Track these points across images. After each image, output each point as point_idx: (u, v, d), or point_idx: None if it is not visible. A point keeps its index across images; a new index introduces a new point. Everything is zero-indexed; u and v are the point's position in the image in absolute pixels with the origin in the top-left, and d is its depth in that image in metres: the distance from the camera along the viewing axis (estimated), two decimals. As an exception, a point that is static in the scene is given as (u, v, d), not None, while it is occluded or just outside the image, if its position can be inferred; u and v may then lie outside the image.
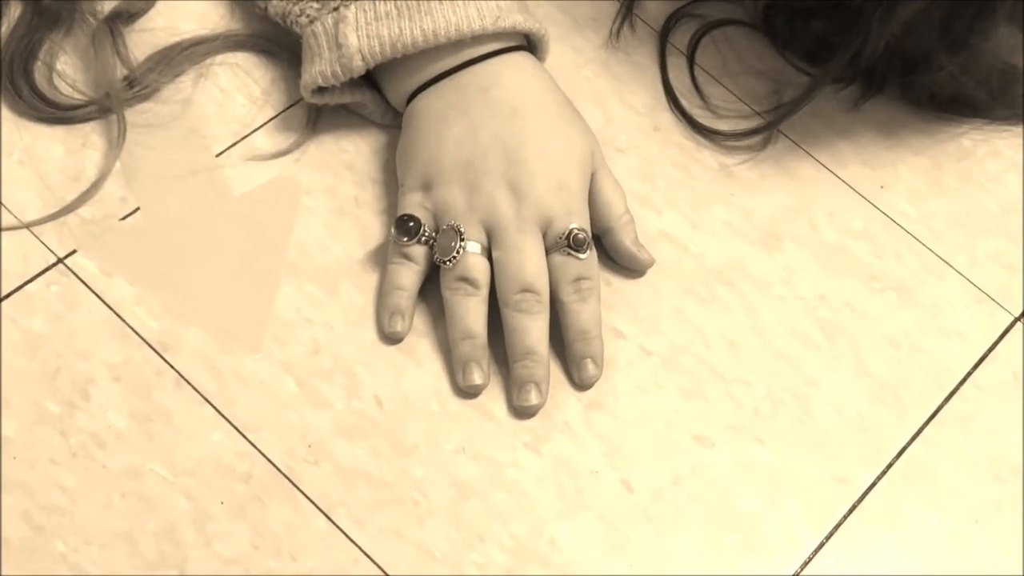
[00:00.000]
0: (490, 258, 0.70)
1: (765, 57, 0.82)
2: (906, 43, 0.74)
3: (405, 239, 0.70)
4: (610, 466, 0.68)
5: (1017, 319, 0.74)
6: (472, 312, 0.69)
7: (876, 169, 0.79)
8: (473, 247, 0.69)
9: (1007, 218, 0.78)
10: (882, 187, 0.79)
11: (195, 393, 0.67)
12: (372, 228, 0.73)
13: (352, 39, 0.71)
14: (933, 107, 0.80)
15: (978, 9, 0.72)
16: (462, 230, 0.69)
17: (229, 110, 0.77)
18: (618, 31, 0.81)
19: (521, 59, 0.74)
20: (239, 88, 0.77)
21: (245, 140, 0.76)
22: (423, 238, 0.70)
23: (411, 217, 0.70)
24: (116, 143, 0.73)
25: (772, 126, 0.78)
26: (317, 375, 0.68)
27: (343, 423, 0.67)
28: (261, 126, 0.76)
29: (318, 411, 0.67)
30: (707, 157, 0.78)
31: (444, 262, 0.69)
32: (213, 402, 0.67)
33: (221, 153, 0.75)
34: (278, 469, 0.65)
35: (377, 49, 0.71)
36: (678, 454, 0.69)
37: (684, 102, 0.80)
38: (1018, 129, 0.82)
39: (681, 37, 0.83)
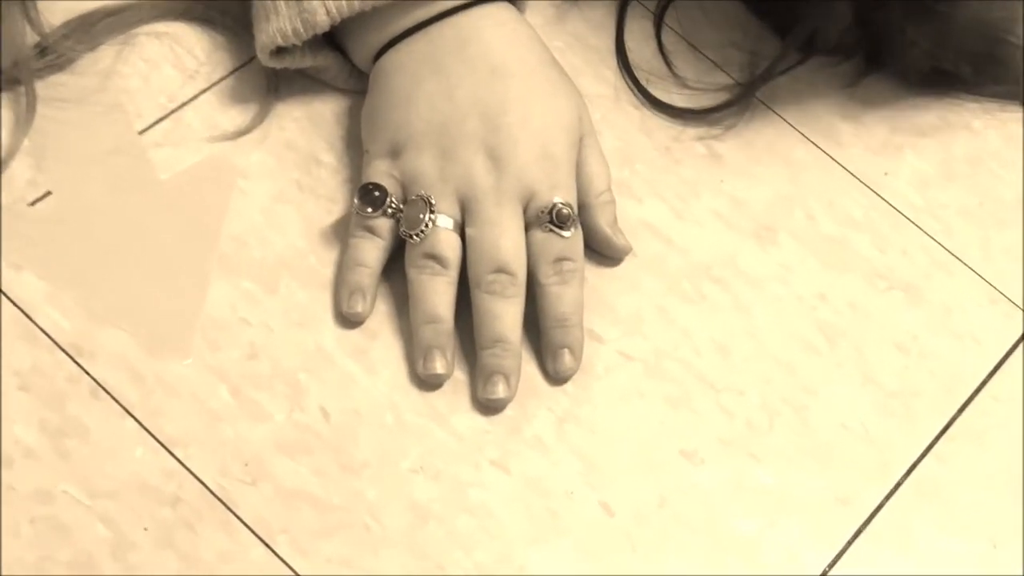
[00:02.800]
0: (463, 236, 0.66)
1: (743, 27, 0.78)
2: (874, 14, 0.72)
3: (369, 210, 0.66)
4: (587, 486, 0.64)
5: (1035, 321, 0.71)
6: (438, 293, 0.65)
7: (879, 154, 0.76)
8: (444, 221, 0.66)
9: (1021, 210, 0.75)
10: (886, 174, 0.75)
11: (115, 404, 0.64)
12: (317, 216, 0.70)
13: None
14: (920, 83, 0.77)
15: None
16: (433, 201, 0.66)
17: (156, 83, 0.73)
18: None
19: (501, 11, 0.70)
20: (168, 59, 0.74)
21: (173, 115, 0.72)
22: (389, 209, 0.66)
23: (376, 186, 0.67)
24: (24, 118, 0.70)
25: (734, 103, 0.75)
26: (255, 383, 0.65)
27: (284, 438, 0.64)
28: (191, 100, 0.73)
29: (256, 424, 0.64)
30: (693, 140, 0.75)
31: (410, 236, 0.66)
32: (135, 414, 0.63)
33: (145, 130, 0.71)
34: (210, 490, 0.62)
35: (343, 1, 0.66)
36: (664, 472, 0.65)
37: (642, 72, 0.76)
38: (1032, 110, 0.79)
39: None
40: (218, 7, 0.75)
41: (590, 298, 0.68)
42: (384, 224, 0.67)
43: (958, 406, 0.69)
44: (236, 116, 0.72)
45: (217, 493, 0.62)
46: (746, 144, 0.75)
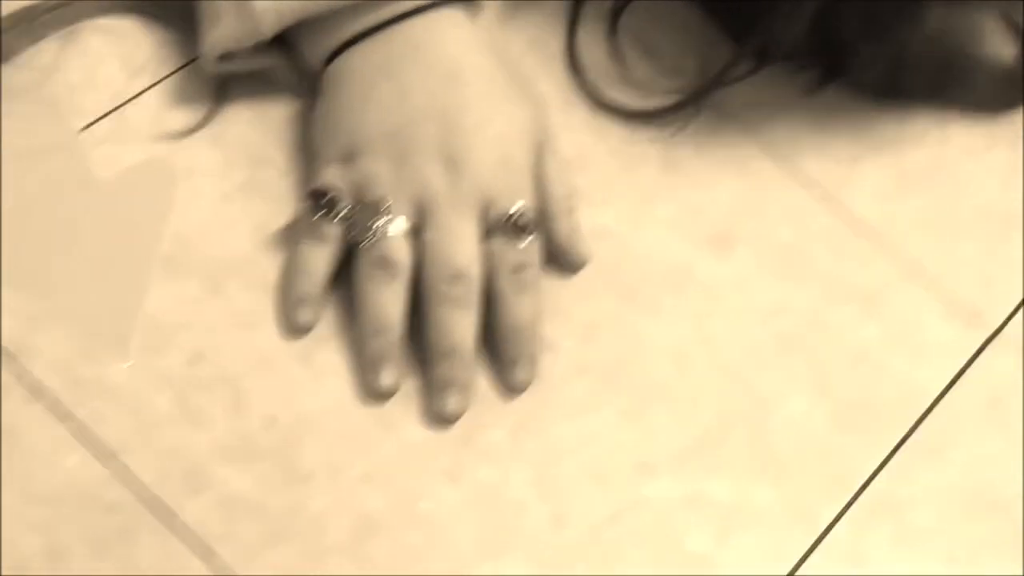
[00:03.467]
0: (416, 245, 0.65)
1: (697, 33, 0.78)
2: (832, 27, 0.72)
3: (317, 215, 0.64)
4: (540, 498, 0.63)
5: (994, 335, 0.71)
6: (389, 302, 0.64)
7: (837, 163, 0.76)
8: (396, 226, 0.64)
9: (981, 221, 0.75)
10: (843, 184, 0.75)
11: (51, 408, 0.62)
12: (266, 217, 0.69)
13: None
14: (877, 96, 0.77)
15: None
16: (386, 206, 0.64)
17: (99, 78, 0.71)
18: None
19: (456, 14, 0.69)
20: (113, 55, 0.73)
21: (116, 112, 0.71)
22: (339, 215, 0.64)
23: (326, 190, 0.65)
24: (-39, 113, 0.68)
25: (682, 106, 0.74)
26: (197, 388, 0.64)
27: (227, 445, 0.62)
28: (136, 97, 0.71)
29: (197, 431, 0.63)
30: (649, 146, 0.74)
31: (361, 240, 0.64)
32: (72, 419, 0.62)
33: (87, 127, 0.70)
34: (149, 499, 0.61)
35: (290, 8, 0.65)
36: (617, 485, 0.64)
37: (594, 75, 0.75)
38: (991, 122, 0.78)
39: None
40: (165, 2, 0.73)
41: (545, 306, 0.67)
42: (334, 230, 0.65)
43: (915, 420, 0.68)
44: (182, 114, 0.71)
45: (157, 502, 0.61)
46: (703, 152, 0.74)
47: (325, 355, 0.65)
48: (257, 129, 0.71)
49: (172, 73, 0.72)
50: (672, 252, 0.71)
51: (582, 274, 0.69)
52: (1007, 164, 0.77)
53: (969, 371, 0.70)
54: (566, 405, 0.66)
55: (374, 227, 0.64)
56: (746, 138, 0.75)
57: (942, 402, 0.69)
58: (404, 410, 0.64)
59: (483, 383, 0.66)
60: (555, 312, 0.68)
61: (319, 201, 0.65)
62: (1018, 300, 0.73)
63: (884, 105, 0.78)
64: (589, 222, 0.71)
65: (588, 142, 0.74)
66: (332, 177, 0.66)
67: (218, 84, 0.71)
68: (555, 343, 0.67)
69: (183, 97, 0.71)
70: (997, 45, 0.73)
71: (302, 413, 0.64)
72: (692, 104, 0.74)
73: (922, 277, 0.73)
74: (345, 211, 0.65)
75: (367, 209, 0.65)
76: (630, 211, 0.72)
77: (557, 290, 0.69)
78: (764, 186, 0.74)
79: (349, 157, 0.66)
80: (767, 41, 0.71)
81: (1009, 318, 0.72)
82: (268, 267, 0.67)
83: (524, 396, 0.66)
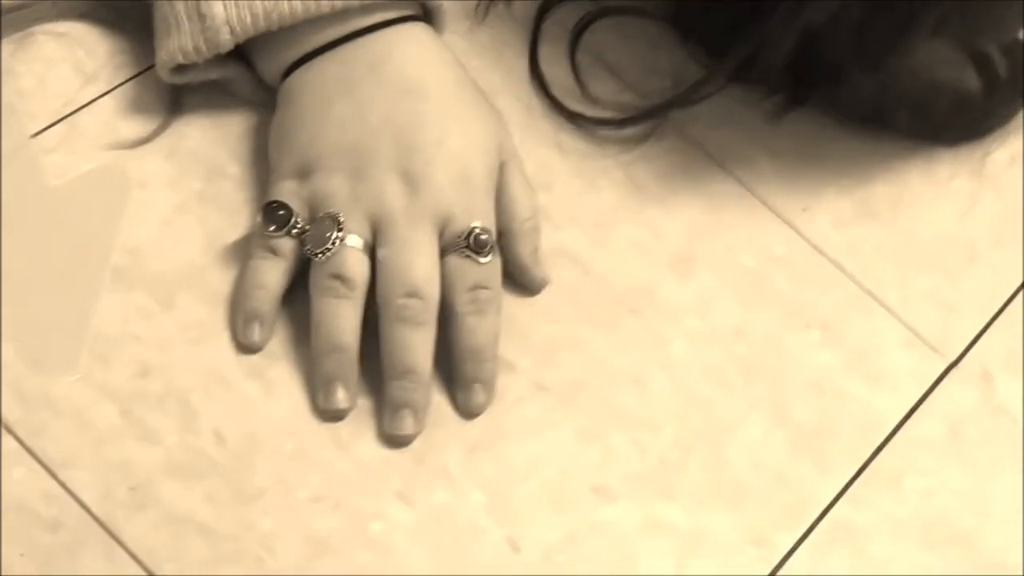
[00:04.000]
0: (373, 260, 0.64)
1: (666, 51, 0.77)
2: (820, 52, 0.72)
3: (272, 229, 0.64)
4: (494, 521, 0.63)
5: (952, 365, 0.71)
6: (342, 318, 0.63)
7: (799, 189, 0.75)
8: (353, 240, 0.63)
9: (942, 251, 0.75)
10: (805, 210, 0.75)
11: None
12: (219, 230, 0.68)
13: (218, 9, 0.64)
14: (851, 121, 0.77)
15: (895, 24, 0.70)
16: (341, 220, 0.63)
17: (52, 84, 0.70)
18: (485, 12, 0.76)
19: (416, 30, 0.68)
20: (66, 60, 0.72)
21: (68, 119, 0.69)
22: (294, 230, 0.64)
23: (281, 204, 0.64)
24: (-93, 115, 0.67)
25: (650, 115, 0.74)
26: (145, 403, 0.62)
27: (175, 462, 0.61)
28: (89, 103, 0.70)
29: (145, 446, 0.61)
30: (613, 167, 0.74)
31: (315, 255, 0.63)
32: (16, 432, 0.61)
33: (38, 133, 0.69)
34: (93, 516, 0.59)
35: (248, 21, 0.65)
36: (574, 508, 0.64)
37: (557, 89, 0.75)
38: (952, 151, 0.78)
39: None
40: (122, 9, 0.72)
41: (504, 324, 0.67)
42: (287, 244, 0.64)
43: (873, 449, 0.68)
44: (136, 122, 0.70)
45: (101, 518, 0.59)
46: (666, 174, 0.74)
47: (277, 372, 0.64)
48: (211, 140, 0.70)
49: (127, 81, 0.71)
50: (633, 273, 0.70)
51: (543, 293, 0.69)
52: (968, 194, 0.77)
53: (928, 400, 0.70)
54: (523, 426, 0.65)
55: (330, 240, 0.63)
56: (709, 161, 0.75)
57: (901, 431, 0.69)
58: (357, 429, 0.63)
59: (438, 402, 0.65)
60: (513, 331, 0.67)
61: (273, 215, 0.64)
62: (977, 330, 0.72)
63: (845, 131, 0.78)
64: (549, 241, 0.70)
65: (550, 161, 0.73)
66: (287, 192, 0.65)
67: (173, 94, 0.70)
68: (512, 363, 0.66)
69: (136, 105, 0.70)
70: (963, 76, 0.74)
71: (253, 430, 0.63)
72: (658, 115, 0.74)
73: (882, 305, 0.72)
74: (300, 226, 0.64)
75: (323, 222, 0.64)
76: (591, 231, 0.71)
77: (515, 309, 0.68)
78: (726, 210, 0.74)
79: (305, 172, 0.65)
80: (747, 60, 0.71)
81: (969, 347, 0.72)
82: (220, 280, 0.66)
83: (480, 416, 0.65)
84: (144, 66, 0.71)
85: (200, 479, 0.61)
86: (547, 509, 0.63)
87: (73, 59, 0.71)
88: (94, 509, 0.59)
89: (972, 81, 0.74)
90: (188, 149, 0.69)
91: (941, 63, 0.73)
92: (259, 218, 0.64)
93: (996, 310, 0.73)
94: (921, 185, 0.77)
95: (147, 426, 0.62)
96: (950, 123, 0.77)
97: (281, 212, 0.64)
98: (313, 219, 0.64)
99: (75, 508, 0.59)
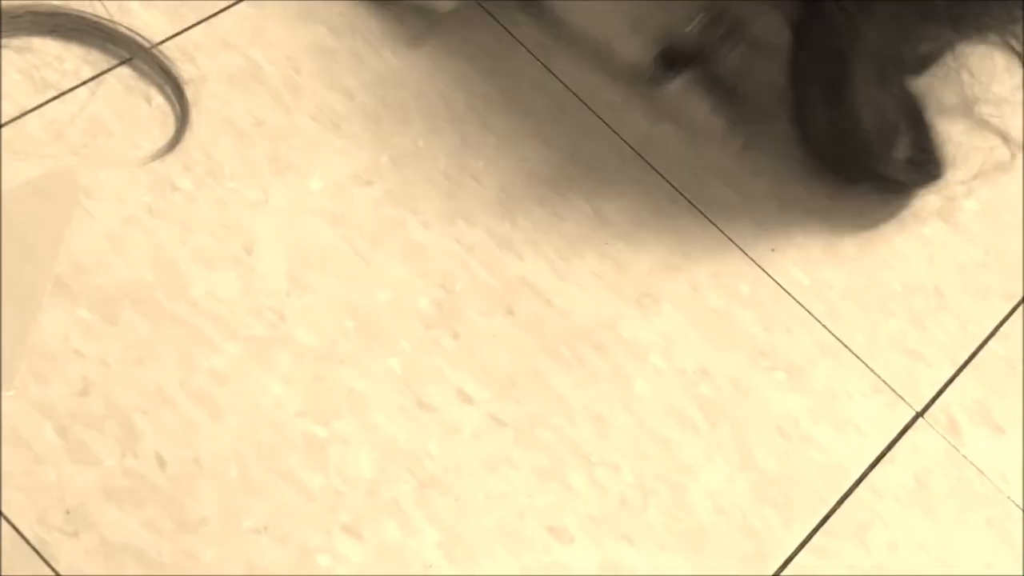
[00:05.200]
0: None
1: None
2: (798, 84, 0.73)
3: None
4: (447, 559, 0.61)
5: (919, 414, 0.70)
6: None
7: (768, 229, 0.75)
8: None
9: (910, 298, 0.74)
10: (773, 250, 0.74)
11: None
12: (169, 245, 0.66)
13: None
14: (810, 161, 0.77)
15: (832, 72, 0.71)
16: None
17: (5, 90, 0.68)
18: None
19: None
20: (14, 64, 0.69)
21: (14, 123, 0.67)
22: None
23: None
24: None
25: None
26: (84, 423, 0.60)
27: (113, 485, 0.59)
28: (37, 108, 0.68)
29: (83, 468, 0.59)
30: (578, 197, 0.72)
31: None
32: None
33: None
34: (25, 540, 0.57)
35: None
36: (530, 549, 0.62)
37: None
38: (920, 198, 0.78)
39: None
40: (74, 17, 0.70)
41: (462, 355, 0.65)
42: None
43: (838, 498, 0.67)
44: (86, 130, 0.68)
45: (33, 543, 0.57)
46: (632, 207, 0.73)
47: (225, 396, 0.62)
48: (161, 150, 0.68)
49: (77, 87, 0.69)
50: (596, 308, 0.69)
51: (503, 324, 0.67)
52: (935, 241, 0.77)
53: (895, 449, 0.69)
54: (479, 461, 0.64)
55: None
56: (675, 197, 0.74)
57: (866, 479, 0.68)
58: (306, 458, 0.62)
59: (391, 434, 0.63)
60: (471, 362, 0.66)
61: None
62: (945, 379, 0.72)
63: (815, 173, 0.77)
64: (514, 271, 0.69)
65: (516, 187, 0.72)
66: None
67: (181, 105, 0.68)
68: (470, 395, 0.65)
69: (87, 112, 0.68)
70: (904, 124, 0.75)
71: (196, 455, 0.61)
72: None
73: (849, 350, 0.71)
74: None
75: None
76: (556, 262, 0.70)
77: (475, 339, 0.66)
78: (692, 247, 0.73)
79: None
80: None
81: (936, 397, 0.71)
82: (169, 299, 0.64)
83: (435, 448, 0.63)
84: (95, 72, 0.69)
85: (140, 505, 0.59)
86: (501, 549, 0.62)
87: (22, 63, 0.69)
88: (27, 533, 0.57)
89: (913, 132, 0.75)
90: (138, 160, 0.67)
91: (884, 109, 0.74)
92: None
93: (964, 360, 0.73)
94: (890, 230, 0.77)
95: (86, 447, 0.59)
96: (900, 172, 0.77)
97: None
98: None
99: (7, 531, 0.57)
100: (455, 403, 0.64)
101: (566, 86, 0.76)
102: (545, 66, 0.76)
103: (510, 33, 0.77)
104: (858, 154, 0.76)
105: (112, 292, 0.63)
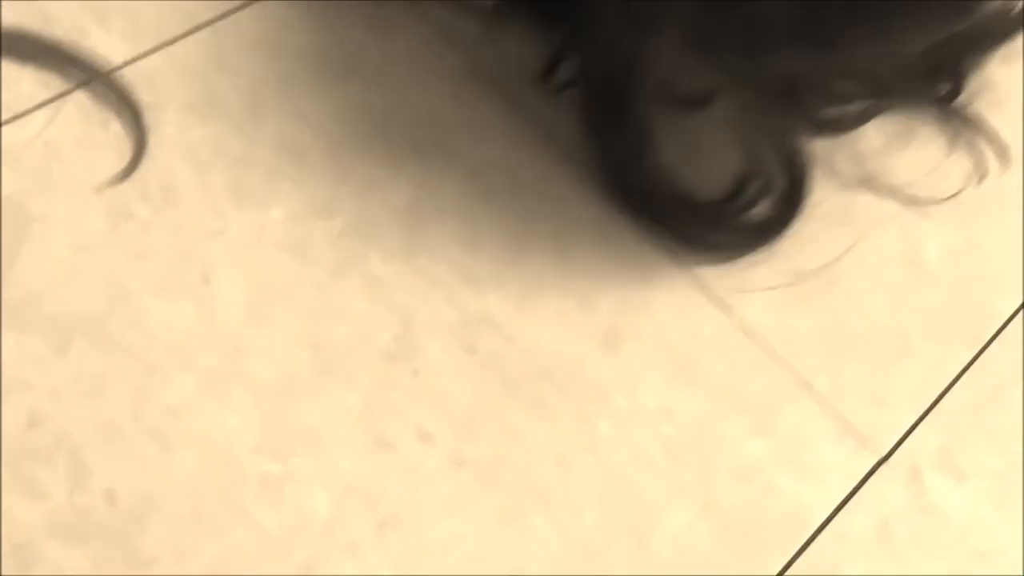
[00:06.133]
0: None
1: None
2: None
3: None
4: (404, 602, 0.60)
5: (883, 460, 0.70)
6: None
7: (732, 269, 0.74)
8: None
9: (874, 342, 0.74)
10: (737, 291, 0.73)
11: None
12: (123, 272, 0.65)
13: None
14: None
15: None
16: None
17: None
18: None
19: None
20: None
21: (-33, 145, 0.66)
22: None
23: None
24: None
25: None
26: (32, 456, 0.59)
27: (62, 521, 0.58)
28: (-10, 130, 0.67)
29: (30, 503, 0.58)
30: (543, 233, 0.72)
31: None
32: None
33: None
34: None
35: None
36: (489, 592, 0.62)
37: None
38: (884, 240, 0.78)
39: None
40: (31, 40, 0.70)
41: (422, 392, 0.65)
42: None
43: (801, 544, 0.67)
44: (41, 154, 0.67)
45: (-24, 579, 0.56)
46: (597, 244, 0.73)
47: (178, 430, 0.61)
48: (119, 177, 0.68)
49: (32, 111, 0.68)
50: (560, 345, 0.69)
51: (464, 362, 0.67)
52: (899, 284, 0.77)
53: (857, 495, 0.69)
54: (438, 502, 0.63)
55: None
56: (642, 235, 0.74)
57: (829, 526, 0.68)
58: (261, 496, 0.61)
59: (349, 469, 0.62)
60: (431, 400, 0.65)
61: None
62: (908, 425, 0.72)
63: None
64: (474, 307, 0.68)
65: (478, 219, 0.72)
66: None
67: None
68: (430, 433, 0.64)
69: (40, 136, 0.67)
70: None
71: (147, 490, 0.60)
72: None
73: (812, 394, 0.71)
74: None
75: None
76: (518, 298, 0.70)
77: (434, 376, 0.66)
78: (657, 285, 0.73)
79: None
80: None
81: (899, 443, 0.71)
82: (121, 329, 0.63)
83: (395, 487, 0.62)
84: (51, 95, 0.68)
85: (88, 541, 0.58)
86: (460, 592, 0.61)
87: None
88: (-31, 569, 0.56)
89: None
90: (93, 186, 0.67)
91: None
92: None
93: (927, 406, 0.73)
94: (854, 274, 0.77)
95: (34, 481, 0.59)
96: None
97: None
98: None
99: (-52, 567, 0.56)
100: (414, 441, 0.64)
101: (529, 120, 0.76)
102: (508, 97, 0.76)
103: (475, 65, 0.77)
104: (677, 211, 0.75)
105: (64, 321, 0.62)
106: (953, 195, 0.79)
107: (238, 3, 0.75)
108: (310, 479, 0.62)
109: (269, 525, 0.60)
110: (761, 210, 0.75)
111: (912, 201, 0.78)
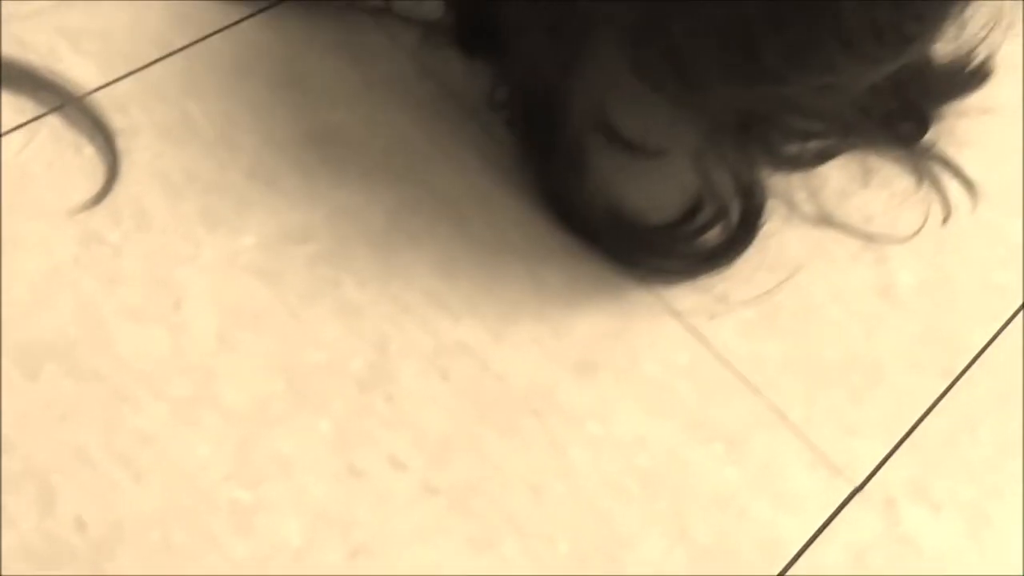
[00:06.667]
0: None
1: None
2: None
3: None
4: (376, 631, 0.60)
5: (857, 490, 0.70)
6: None
7: (706, 295, 0.75)
8: None
9: (848, 372, 0.75)
10: (712, 318, 0.74)
11: None
12: (94, 298, 0.65)
13: None
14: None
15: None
16: None
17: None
18: None
19: None
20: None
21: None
22: None
23: None
24: None
25: None
26: (1, 483, 0.59)
27: (30, 548, 0.58)
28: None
29: None
30: (517, 260, 0.72)
31: None
32: None
33: None
34: None
35: None
36: (462, 621, 0.61)
37: None
38: (858, 269, 0.78)
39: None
40: (3, 63, 0.70)
41: (395, 419, 0.65)
42: None
43: (775, 574, 0.67)
44: (12, 178, 0.67)
45: (-57, 607, 0.55)
46: (572, 272, 0.73)
47: (148, 457, 0.61)
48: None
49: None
50: (534, 373, 0.69)
51: (438, 388, 0.67)
52: (873, 313, 0.77)
53: (832, 525, 0.69)
54: (410, 530, 0.63)
55: None
56: (616, 262, 0.74)
57: (804, 556, 0.68)
58: (231, 523, 0.60)
59: (320, 496, 0.62)
60: (403, 427, 0.65)
61: None
62: (882, 455, 0.72)
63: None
64: (449, 335, 0.68)
65: (453, 247, 0.72)
66: None
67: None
68: (402, 461, 0.64)
69: (10, 157, 0.67)
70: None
71: (118, 518, 0.59)
72: None
73: (787, 423, 0.71)
74: None
75: None
76: (494, 325, 0.70)
77: (406, 403, 0.66)
78: (632, 313, 0.73)
79: None
80: None
81: (873, 472, 0.71)
82: (91, 354, 0.63)
83: (366, 515, 0.62)
84: (24, 119, 0.68)
85: (56, 569, 0.57)
86: (433, 620, 0.61)
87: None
88: (-65, 596, 0.55)
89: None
90: (65, 210, 0.66)
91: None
92: None
93: (901, 436, 0.73)
94: (825, 299, 0.77)
95: (2, 509, 0.58)
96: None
97: None
98: None
99: (-86, 594, 0.55)
100: (387, 469, 0.63)
101: (504, 147, 0.76)
102: (483, 123, 0.77)
103: (450, 91, 0.77)
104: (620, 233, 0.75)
105: (34, 346, 0.62)
106: (916, 232, 0.79)
107: (211, 29, 0.75)
108: (281, 507, 0.61)
109: (240, 553, 0.60)
110: (711, 237, 0.75)
111: (871, 238, 0.78)
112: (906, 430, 0.73)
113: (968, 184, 0.81)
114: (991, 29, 0.78)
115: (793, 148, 0.78)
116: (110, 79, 0.71)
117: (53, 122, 0.69)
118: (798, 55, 0.63)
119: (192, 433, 0.62)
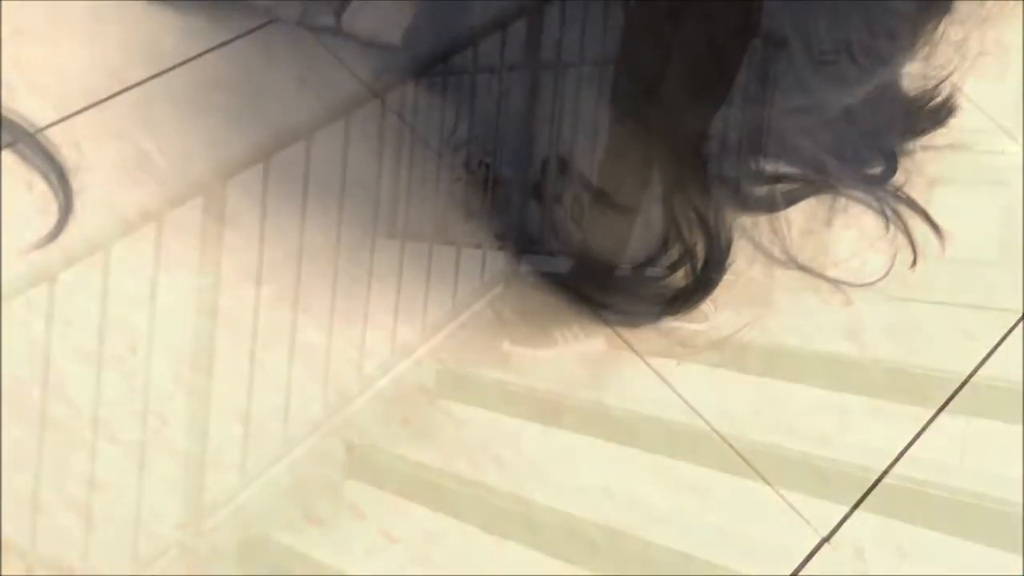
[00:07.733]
0: None
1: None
2: None
3: None
4: None
5: (825, 540, 0.70)
6: None
7: (672, 337, 0.75)
8: None
9: (814, 419, 0.75)
10: (678, 364, 0.74)
11: None
12: (46, 340, 0.64)
13: None
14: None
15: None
16: None
17: None
18: None
19: None
20: None
21: None
22: None
23: None
24: None
25: None
26: (-52, 530, 0.58)
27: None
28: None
29: None
30: (481, 303, 0.72)
31: None
32: None
33: None
34: None
35: None
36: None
37: None
38: (824, 315, 0.79)
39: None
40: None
41: (354, 465, 0.64)
42: None
43: (746, 624, 0.67)
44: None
45: None
46: (537, 315, 0.73)
47: (100, 504, 0.60)
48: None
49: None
50: (498, 418, 0.69)
51: (400, 433, 0.66)
52: (841, 360, 0.77)
53: (801, 575, 0.69)
54: (370, 580, 0.62)
55: None
56: (582, 307, 0.74)
57: (774, 606, 0.68)
58: (180, 567, 0.60)
59: (288, 545, 0.61)
60: (362, 473, 0.65)
61: None
62: (849, 504, 0.72)
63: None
64: (411, 376, 0.68)
65: (416, 288, 0.71)
66: None
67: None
68: (361, 509, 0.64)
69: None
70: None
71: (70, 567, 0.59)
72: None
73: (755, 470, 0.71)
74: None
75: None
76: (456, 369, 0.70)
77: (368, 449, 0.65)
78: (599, 360, 0.73)
79: None
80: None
81: (841, 522, 0.71)
82: (45, 399, 0.62)
83: (325, 564, 0.61)
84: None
85: (4, 621, 0.56)
86: (392, 673, 0.60)
87: None
88: None
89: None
90: (16, 251, 0.66)
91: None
92: None
93: (870, 484, 0.73)
94: (796, 345, 0.77)
95: (-53, 557, 0.57)
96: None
97: None
98: None
99: None
100: (347, 518, 0.63)
101: (467, 185, 0.76)
102: (444, 159, 0.76)
103: (411, 127, 0.77)
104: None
105: (-17, 390, 0.61)
106: (884, 275, 0.80)
107: (170, 63, 0.75)
108: (236, 556, 0.61)
109: (196, 603, 0.59)
110: (677, 279, 0.75)
111: (836, 282, 0.79)
112: (874, 478, 0.73)
113: (936, 228, 0.81)
114: (955, 66, 0.79)
115: (762, 190, 0.78)
116: (65, 114, 0.71)
117: (6, 158, 0.68)
118: (771, 75, 0.63)
119: (146, 479, 0.61)
